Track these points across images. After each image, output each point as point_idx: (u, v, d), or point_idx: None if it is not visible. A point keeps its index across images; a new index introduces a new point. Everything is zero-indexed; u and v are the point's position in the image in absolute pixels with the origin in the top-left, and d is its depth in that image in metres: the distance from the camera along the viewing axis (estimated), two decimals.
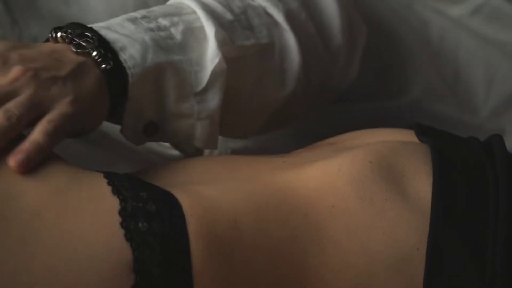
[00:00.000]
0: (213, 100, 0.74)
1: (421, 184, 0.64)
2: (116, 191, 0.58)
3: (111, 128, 0.80)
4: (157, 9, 0.75)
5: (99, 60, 0.67)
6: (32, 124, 0.62)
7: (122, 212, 0.57)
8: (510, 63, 1.02)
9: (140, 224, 0.56)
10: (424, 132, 0.72)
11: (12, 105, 0.61)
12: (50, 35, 0.70)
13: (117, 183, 0.59)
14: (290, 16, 0.81)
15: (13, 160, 0.58)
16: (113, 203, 0.57)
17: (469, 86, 1.02)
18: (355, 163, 0.65)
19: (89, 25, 0.70)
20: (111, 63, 0.68)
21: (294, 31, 0.81)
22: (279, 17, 0.80)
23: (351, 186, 0.63)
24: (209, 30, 0.74)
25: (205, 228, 0.58)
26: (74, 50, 0.68)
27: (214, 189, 0.62)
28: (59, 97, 0.64)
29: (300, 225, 0.61)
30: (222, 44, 0.74)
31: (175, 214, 0.58)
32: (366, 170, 0.64)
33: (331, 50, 0.86)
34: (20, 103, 0.62)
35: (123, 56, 0.69)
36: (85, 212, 0.56)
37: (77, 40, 0.68)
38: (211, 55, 0.74)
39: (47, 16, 0.88)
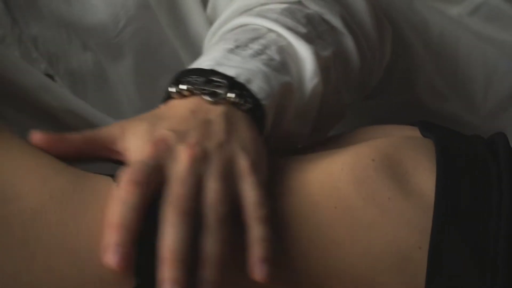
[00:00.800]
0: (311, 117, 0.73)
1: (424, 181, 0.64)
2: None
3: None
4: (236, 36, 0.73)
5: (238, 101, 0.64)
6: None
7: None
8: (509, 62, 1.02)
9: (143, 226, 0.56)
10: (428, 129, 0.71)
11: (214, 199, 0.57)
12: (171, 90, 0.65)
13: None
14: (344, 20, 0.80)
15: (259, 274, 0.56)
16: None
17: (468, 85, 1.03)
18: (358, 161, 0.65)
19: (195, 67, 0.67)
20: (250, 100, 0.65)
21: (351, 34, 0.80)
22: (337, 22, 0.79)
23: (354, 186, 0.63)
24: (302, 47, 0.73)
25: None
26: (211, 100, 0.64)
27: None
28: (237, 162, 0.60)
29: (301, 228, 0.61)
30: (317, 60, 0.73)
31: None
32: (369, 168, 0.64)
33: (370, 47, 0.85)
34: (217, 190, 0.58)
35: (254, 89, 0.65)
36: (89, 214, 0.56)
37: (207, 89, 0.64)
38: (310, 74, 0.72)
39: (48, 16, 0.87)
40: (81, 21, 0.88)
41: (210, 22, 0.88)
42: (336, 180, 0.64)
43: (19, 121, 0.79)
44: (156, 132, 0.60)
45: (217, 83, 0.64)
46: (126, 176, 0.56)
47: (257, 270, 0.56)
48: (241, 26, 0.75)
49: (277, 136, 0.71)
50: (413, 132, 0.72)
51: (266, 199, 0.60)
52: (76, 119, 0.81)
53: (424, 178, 0.64)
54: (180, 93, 0.65)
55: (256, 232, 0.57)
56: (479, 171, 0.65)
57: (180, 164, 0.58)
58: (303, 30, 0.75)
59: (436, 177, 0.64)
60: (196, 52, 0.90)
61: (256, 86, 0.65)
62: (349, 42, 0.80)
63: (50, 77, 0.87)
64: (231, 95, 0.64)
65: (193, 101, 0.64)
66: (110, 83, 0.89)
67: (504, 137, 0.69)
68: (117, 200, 0.55)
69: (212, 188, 0.58)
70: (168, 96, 0.66)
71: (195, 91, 0.64)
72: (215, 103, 0.64)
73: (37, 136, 0.60)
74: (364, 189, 0.63)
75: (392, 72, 1.03)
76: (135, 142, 0.60)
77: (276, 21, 0.74)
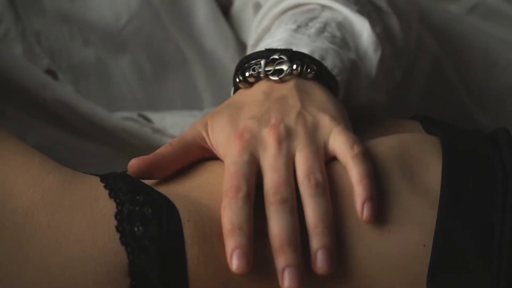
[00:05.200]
0: (382, 89, 0.77)
1: (429, 175, 0.62)
2: (113, 195, 0.57)
3: (112, 125, 0.80)
4: (294, 18, 0.75)
5: (304, 70, 0.66)
6: None
7: (118, 216, 0.56)
8: (509, 57, 1.01)
9: (135, 228, 0.56)
10: (429, 124, 0.70)
11: (307, 167, 0.60)
12: (237, 81, 0.68)
13: (114, 187, 0.58)
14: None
15: (365, 215, 0.59)
16: (109, 207, 0.57)
17: (469, 78, 1.02)
18: None
19: (269, 48, 0.69)
20: (314, 67, 0.67)
21: (395, 13, 0.81)
22: (382, 2, 0.80)
23: None
24: (359, 20, 0.75)
25: (201, 233, 0.57)
26: (277, 79, 0.66)
27: (210, 198, 0.60)
28: (319, 122, 0.63)
29: None
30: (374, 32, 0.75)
31: (171, 218, 0.57)
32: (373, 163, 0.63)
33: (409, 24, 0.87)
34: (308, 157, 0.61)
35: (329, 65, 0.68)
36: (80, 215, 0.55)
37: (271, 69, 0.67)
38: (373, 45, 0.75)
39: (51, 12, 0.88)
40: (84, 17, 0.88)
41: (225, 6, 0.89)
42: (338, 176, 0.63)
43: (18, 118, 0.80)
44: (239, 124, 0.63)
45: (279, 60, 0.66)
46: (226, 185, 0.59)
47: (363, 210, 0.59)
48: (293, 7, 0.77)
49: (355, 106, 0.74)
50: (415, 126, 0.71)
51: (358, 140, 0.62)
52: (76, 116, 0.81)
53: (429, 172, 0.63)
54: (246, 81, 0.67)
55: (355, 171, 0.60)
56: (484, 165, 0.63)
57: (269, 148, 0.61)
58: (354, 7, 0.77)
59: (442, 173, 0.62)
60: (200, 49, 0.90)
61: (330, 63, 0.68)
62: (394, 22, 0.81)
63: (53, 72, 0.87)
64: (295, 67, 0.66)
65: (262, 84, 0.67)
66: (112, 78, 0.90)
67: (506, 131, 0.68)
68: (226, 208, 0.58)
69: (303, 157, 0.61)
70: (237, 87, 0.68)
71: (260, 75, 0.67)
72: (282, 81, 0.66)
73: (133, 164, 0.62)
74: None
75: None
76: (222, 137, 0.63)
77: None
